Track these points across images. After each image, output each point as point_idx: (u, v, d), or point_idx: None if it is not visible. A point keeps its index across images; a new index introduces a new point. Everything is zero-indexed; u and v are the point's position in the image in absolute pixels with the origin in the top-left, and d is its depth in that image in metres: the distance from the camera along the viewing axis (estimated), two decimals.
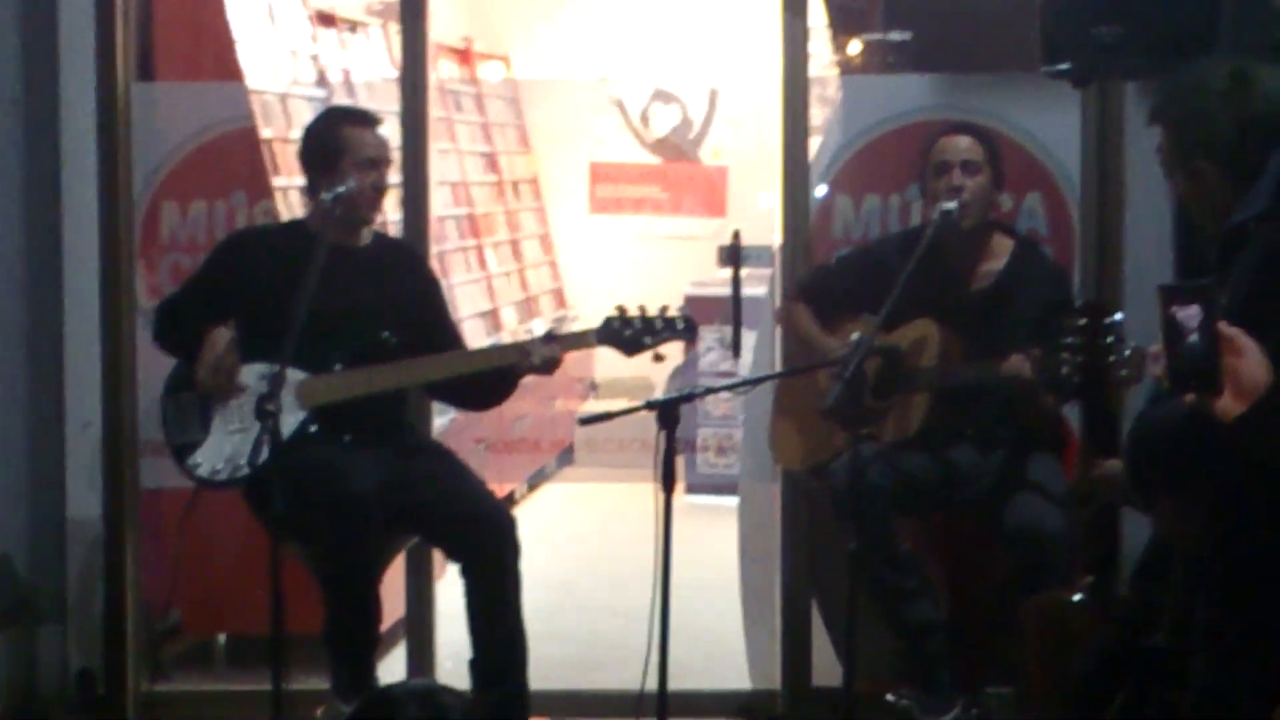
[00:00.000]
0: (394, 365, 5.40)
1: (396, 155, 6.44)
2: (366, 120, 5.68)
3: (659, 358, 5.35)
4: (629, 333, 5.31)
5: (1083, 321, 4.28)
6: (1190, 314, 2.90)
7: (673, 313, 5.35)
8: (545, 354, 5.30)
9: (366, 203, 5.52)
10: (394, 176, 6.10)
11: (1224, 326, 2.90)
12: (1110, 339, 4.21)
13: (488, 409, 6.02)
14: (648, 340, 5.31)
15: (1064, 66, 5.11)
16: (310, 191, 5.65)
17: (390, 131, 5.87)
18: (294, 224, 5.87)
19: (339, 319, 5.28)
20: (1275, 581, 3.23)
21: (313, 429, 5.29)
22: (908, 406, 5.57)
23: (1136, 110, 5.77)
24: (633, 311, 5.31)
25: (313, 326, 4.94)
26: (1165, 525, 3.96)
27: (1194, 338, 2.89)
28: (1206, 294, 2.91)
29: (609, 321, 5.32)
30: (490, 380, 5.46)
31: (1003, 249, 5.66)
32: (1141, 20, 4.78)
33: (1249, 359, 2.90)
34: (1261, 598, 3.28)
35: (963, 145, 5.57)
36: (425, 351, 5.45)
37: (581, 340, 5.43)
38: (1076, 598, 4.70)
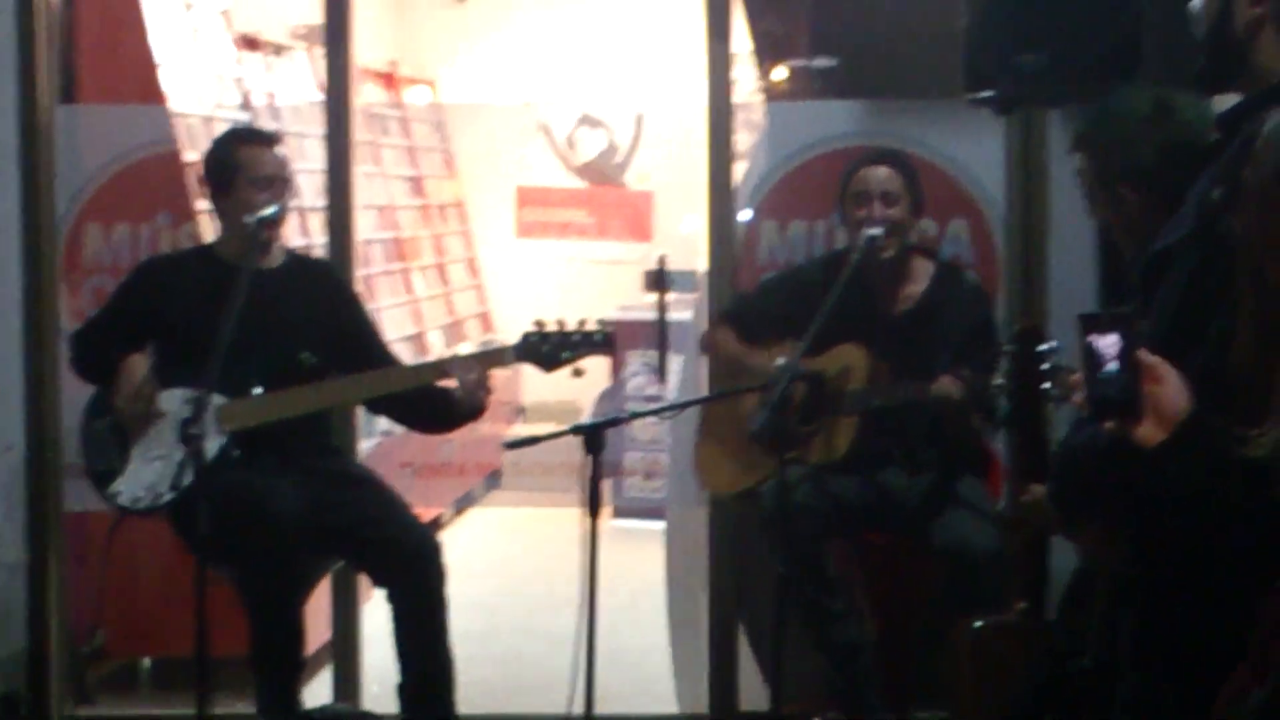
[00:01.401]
0: (313, 387, 5.38)
1: (321, 179, 6.46)
2: (263, 139, 5.65)
3: (579, 373, 5.32)
4: (546, 348, 5.28)
5: (1013, 348, 4.31)
6: (1109, 342, 2.92)
7: (590, 326, 5.32)
8: (464, 372, 5.27)
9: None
10: (319, 200, 6.08)
11: (1144, 354, 2.92)
12: (1043, 367, 4.23)
13: (430, 433, 6.00)
14: (565, 355, 5.28)
15: (987, 94, 5.14)
16: (217, 215, 5.65)
17: (315, 155, 5.85)
18: (204, 249, 5.83)
19: (256, 341, 5.25)
20: (1197, 605, 3.26)
21: (235, 453, 5.27)
22: (835, 430, 5.59)
23: (1060, 137, 5.81)
24: (550, 326, 5.30)
25: (230, 349, 4.92)
26: (1089, 551, 3.99)
27: (1112, 365, 2.91)
28: (1125, 322, 2.93)
29: (526, 337, 5.30)
30: (424, 404, 5.44)
31: (923, 272, 5.70)
32: (1064, 49, 4.82)
33: (1169, 386, 2.92)
34: (1184, 621, 3.31)
35: (881, 176, 5.60)
36: (353, 369, 5.43)
37: (499, 357, 5.42)
38: (1007, 622, 4.73)
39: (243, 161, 5.48)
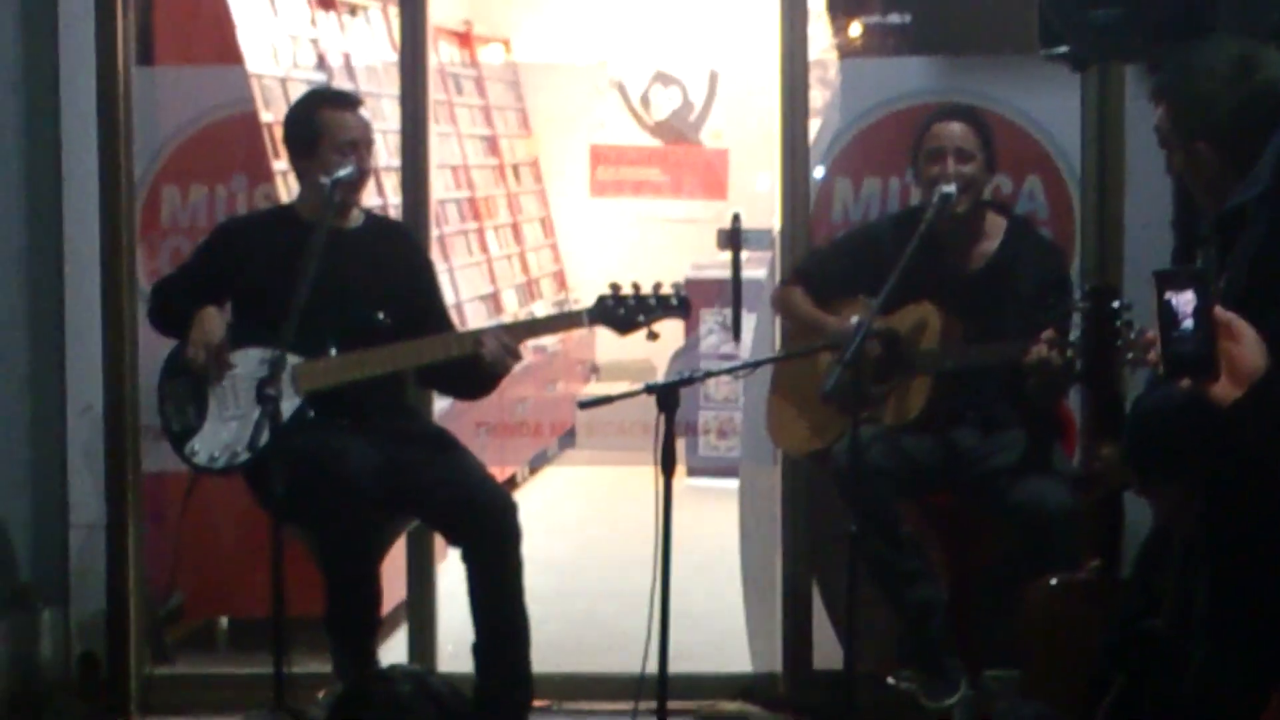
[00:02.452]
0: (389, 349, 5.36)
1: (396, 138, 6.47)
2: (346, 102, 5.67)
3: (654, 335, 5.32)
4: (622, 311, 5.27)
5: (1086, 306, 4.28)
6: (1185, 299, 2.90)
7: (666, 289, 5.30)
8: (494, 346, 5.26)
9: (350, 185, 5.52)
10: (394, 160, 6.08)
11: (1220, 311, 2.90)
12: (1117, 322, 4.20)
13: (469, 399, 5.97)
14: (641, 318, 5.26)
15: (1062, 50, 5.10)
16: (297, 175, 5.67)
17: (390, 114, 5.85)
18: (284, 209, 5.86)
19: (333, 302, 5.28)
20: (1272, 567, 3.24)
21: (310, 414, 5.29)
22: (908, 390, 5.58)
23: (1136, 92, 5.77)
24: (626, 289, 5.28)
25: (307, 310, 4.94)
26: (1164, 510, 3.97)
27: (1188, 323, 2.90)
28: (1201, 279, 2.92)
29: (602, 300, 5.29)
30: (453, 370, 5.43)
31: (996, 229, 5.66)
32: (1139, 2, 4.78)
33: (1245, 344, 2.90)
34: (1258, 583, 3.29)
35: (956, 132, 5.55)
36: (417, 334, 5.43)
37: (574, 320, 5.42)
38: (1081, 580, 4.71)
39: (326, 124, 5.50)
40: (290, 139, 5.63)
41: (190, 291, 5.54)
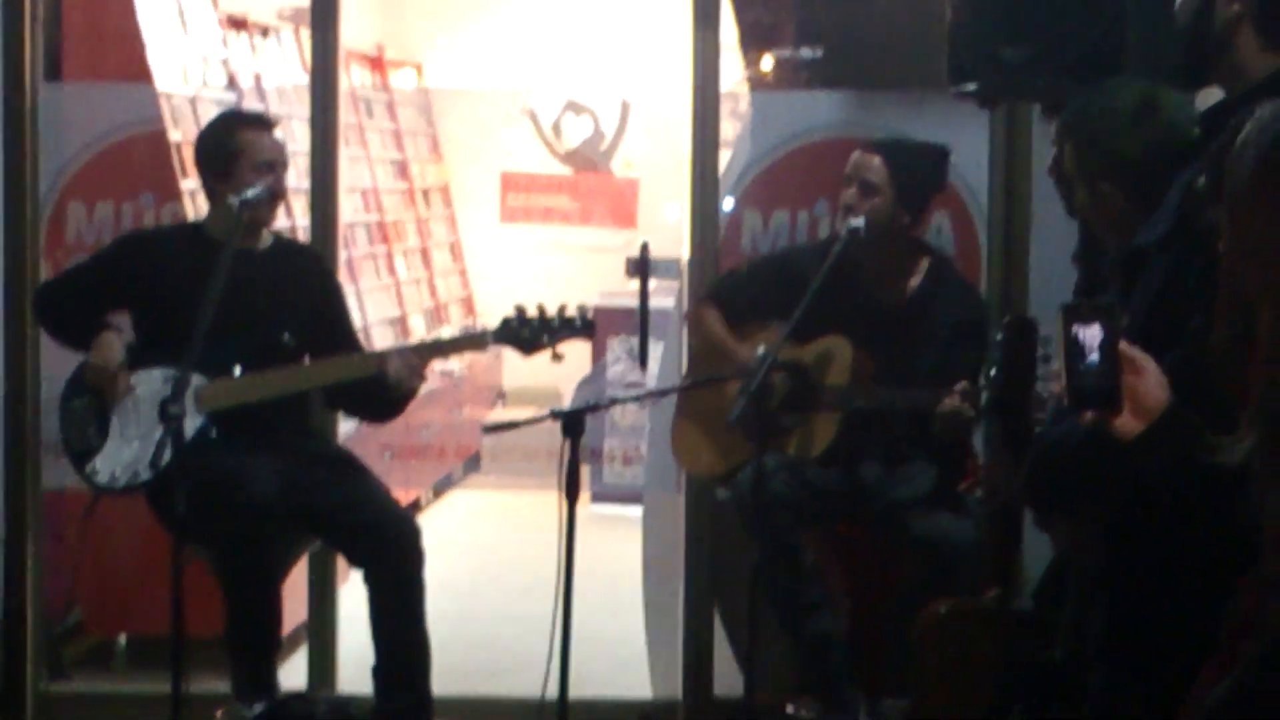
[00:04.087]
0: (293, 369, 5.36)
1: (306, 161, 6.45)
2: (263, 124, 5.64)
3: (558, 357, 5.32)
4: (526, 332, 5.27)
5: (1004, 338, 4.30)
6: (1091, 333, 2.93)
7: (570, 311, 5.33)
8: (398, 366, 5.26)
9: (264, 206, 5.50)
10: (303, 182, 6.07)
11: (1125, 346, 2.94)
12: (1035, 355, 4.22)
13: (377, 422, 5.95)
14: (545, 339, 5.27)
15: (971, 87, 5.14)
16: (208, 195, 5.64)
17: (300, 136, 5.83)
18: (192, 226, 5.83)
19: (238, 322, 5.24)
20: (1169, 597, 3.28)
21: (213, 433, 5.26)
22: (816, 425, 5.58)
23: (1044, 131, 5.82)
24: (531, 311, 5.30)
25: (212, 329, 4.91)
26: (1064, 541, 4.00)
27: (1094, 356, 2.93)
28: (1108, 313, 2.95)
29: (506, 322, 5.29)
30: (360, 391, 5.42)
31: (919, 267, 5.68)
32: (1048, 42, 4.82)
33: (1148, 378, 2.94)
34: (1156, 613, 3.32)
35: (872, 164, 5.57)
36: (326, 356, 5.42)
37: (479, 340, 5.41)
38: (976, 606, 4.73)
39: (244, 145, 5.47)
40: (206, 159, 5.58)
41: (83, 297, 5.50)
